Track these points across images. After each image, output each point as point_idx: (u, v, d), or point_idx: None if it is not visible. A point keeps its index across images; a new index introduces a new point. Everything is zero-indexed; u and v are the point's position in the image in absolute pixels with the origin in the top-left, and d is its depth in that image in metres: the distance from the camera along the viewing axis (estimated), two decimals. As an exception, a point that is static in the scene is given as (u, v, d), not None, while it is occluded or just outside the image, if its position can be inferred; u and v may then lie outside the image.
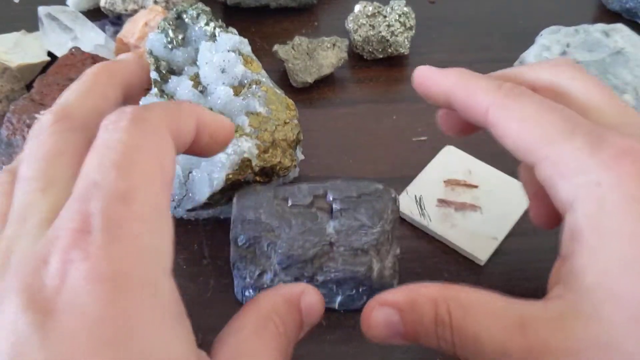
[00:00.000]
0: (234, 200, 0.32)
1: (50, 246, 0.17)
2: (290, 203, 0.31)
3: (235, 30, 0.38)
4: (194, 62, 0.38)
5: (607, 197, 0.21)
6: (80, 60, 0.40)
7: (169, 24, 0.38)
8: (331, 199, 0.31)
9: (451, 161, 0.39)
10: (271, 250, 0.31)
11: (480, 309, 0.22)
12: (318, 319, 0.25)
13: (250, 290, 0.32)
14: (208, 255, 0.36)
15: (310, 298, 0.24)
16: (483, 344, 0.21)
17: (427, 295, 0.23)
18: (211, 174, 0.32)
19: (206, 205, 0.33)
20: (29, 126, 0.36)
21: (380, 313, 0.24)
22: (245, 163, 0.33)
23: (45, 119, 0.22)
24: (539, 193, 0.29)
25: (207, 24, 0.38)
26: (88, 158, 0.19)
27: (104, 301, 0.16)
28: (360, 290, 0.32)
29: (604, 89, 0.26)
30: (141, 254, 0.18)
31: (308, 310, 0.24)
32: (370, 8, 0.46)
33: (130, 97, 0.26)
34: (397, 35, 0.46)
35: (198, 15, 0.38)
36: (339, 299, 0.32)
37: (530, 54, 0.43)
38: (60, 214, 0.18)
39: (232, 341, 0.22)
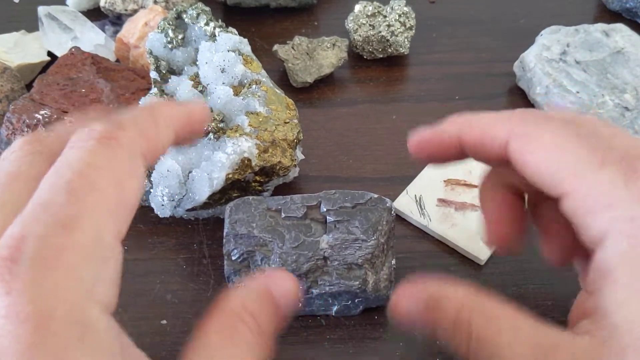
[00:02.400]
0: (226, 214, 0.31)
1: None
2: (283, 215, 0.31)
3: (235, 30, 0.38)
4: (194, 62, 0.38)
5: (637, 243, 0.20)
6: (80, 60, 0.40)
7: (169, 24, 0.38)
8: (325, 210, 0.31)
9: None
10: (265, 264, 0.31)
11: (506, 324, 0.22)
12: (296, 303, 0.23)
13: None
14: (208, 255, 0.36)
15: (282, 284, 0.23)
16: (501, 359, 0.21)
17: (453, 297, 0.23)
18: (211, 174, 0.32)
19: (206, 204, 0.33)
20: (28, 126, 0.36)
21: (407, 303, 0.24)
22: (245, 163, 0.33)
23: (15, 142, 0.21)
24: (554, 228, 0.27)
25: (207, 23, 0.38)
26: (45, 176, 0.18)
27: (22, 345, 0.15)
28: (356, 301, 0.31)
29: (609, 124, 0.25)
30: (72, 289, 0.16)
31: (283, 298, 0.23)
32: (370, 8, 0.46)
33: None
34: (397, 35, 0.46)
35: (198, 15, 0.38)
36: (335, 308, 0.32)
37: (530, 54, 0.43)
38: None
39: (202, 352, 0.20)
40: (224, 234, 0.31)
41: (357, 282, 0.30)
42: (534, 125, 0.23)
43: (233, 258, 0.31)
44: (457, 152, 0.26)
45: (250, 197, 0.32)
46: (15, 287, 0.15)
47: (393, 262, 0.31)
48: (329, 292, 0.30)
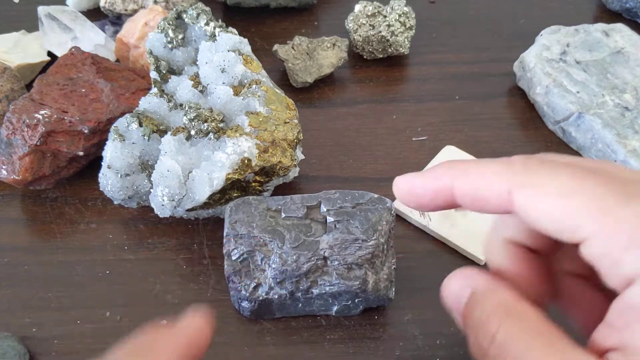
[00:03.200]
0: (226, 214, 0.31)
1: None
2: (283, 215, 0.31)
3: (235, 30, 0.38)
4: (194, 62, 0.38)
5: None
6: (80, 60, 0.40)
7: (169, 24, 0.38)
8: (325, 210, 0.31)
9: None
10: (265, 264, 0.31)
11: (540, 339, 0.21)
12: (207, 344, 0.24)
13: (246, 302, 0.31)
14: (208, 255, 0.36)
15: (191, 332, 0.24)
16: None
17: (498, 297, 0.22)
18: (211, 174, 0.32)
19: (206, 204, 0.33)
20: (28, 126, 0.36)
21: (456, 284, 0.24)
22: (245, 163, 0.33)
23: None
24: (577, 296, 0.26)
25: (207, 23, 0.38)
26: None
27: None
28: (356, 301, 0.31)
29: (609, 161, 0.24)
30: None
31: (195, 344, 0.23)
32: (371, 8, 0.46)
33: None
34: (397, 35, 0.46)
35: (198, 15, 0.38)
36: (335, 308, 0.32)
37: (530, 54, 0.43)
38: None
39: None
40: (224, 234, 0.31)
41: (357, 282, 0.30)
42: (538, 173, 0.21)
43: (233, 258, 0.31)
44: (449, 202, 0.24)
45: (250, 197, 0.32)
46: None
47: (393, 262, 0.31)
48: (329, 292, 0.30)
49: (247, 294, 0.31)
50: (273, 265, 0.30)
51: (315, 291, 0.30)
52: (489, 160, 0.23)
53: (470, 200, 0.23)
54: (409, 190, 0.25)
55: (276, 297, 0.31)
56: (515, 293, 0.22)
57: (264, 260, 0.31)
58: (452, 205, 0.24)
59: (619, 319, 0.21)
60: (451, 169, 0.24)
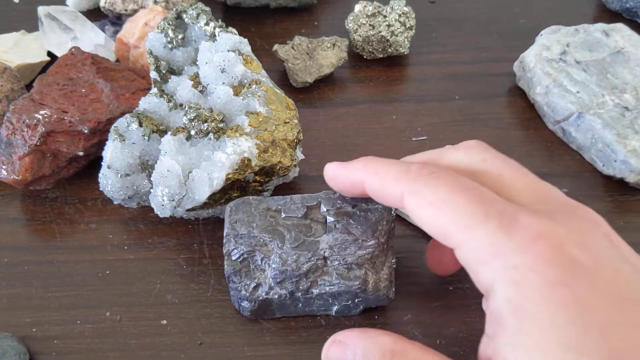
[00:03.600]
0: (226, 214, 0.31)
1: None
2: (283, 215, 0.31)
3: (235, 30, 0.38)
4: (194, 62, 0.38)
5: (525, 281, 0.22)
6: (80, 60, 0.40)
7: (169, 24, 0.38)
8: (325, 210, 0.31)
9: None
10: (265, 264, 0.31)
11: None
12: None
13: (246, 302, 0.31)
14: (208, 255, 0.36)
15: None
16: None
17: (379, 344, 0.26)
18: (211, 174, 0.32)
19: (206, 204, 0.33)
20: (28, 126, 0.36)
21: (337, 351, 0.27)
22: (245, 163, 0.33)
23: None
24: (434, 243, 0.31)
25: (207, 23, 0.38)
26: None
27: None
28: (356, 301, 0.31)
29: (515, 167, 0.27)
30: None
31: None
32: (370, 8, 0.46)
33: None
34: (397, 35, 0.46)
35: (198, 15, 0.38)
36: (335, 308, 0.32)
37: (530, 54, 0.43)
38: None
39: None
40: (224, 233, 0.31)
41: (357, 282, 0.30)
42: (424, 184, 0.25)
43: (233, 258, 0.31)
44: (363, 193, 0.28)
45: (250, 197, 0.32)
46: None
47: (393, 262, 0.31)
48: (329, 292, 0.30)
49: (247, 294, 0.31)
50: (273, 265, 0.30)
51: (315, 291, 0.30)
52: (395, 163, 0.27)
53: (375, 195, 0.27)
54: (333, 177, 0.29)
55: (276, 297, 0.31)
56: (395, 338, 0.26)
57: (264, 260, 0.31)
58: (366, 195, 0.28)
59: (490, 328, 0.23)
60: (365, 167, 0.27)
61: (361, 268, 0.30)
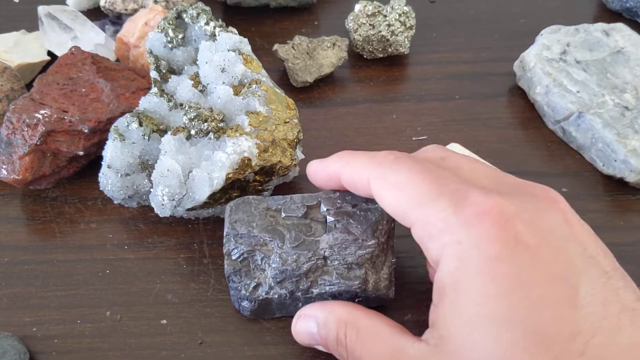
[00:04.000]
0: (226, 213, 0.31)
1: None
2: (283, 215, 0.31)
3: (235, 30, 0.38)
4: (194, 62, 0.38)
5: (467, 256, 0.23)
6: (80, 59, 0.40)
7: (169, 24, 0.38)
8: (325, 210, 0.31)
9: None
10: (265, 263, 0.31)
11: (369, 335, 0.26)
12: None
13: (246, 302, 0.31)
14: (208, 255, 0.36)
15: None
16: None
17: (336, 315, 0.27)
18: (211, 173, 0.32)
19: (206, 204, 0.33)
20: (28, 125, 0.36)
21: (303, 323, 0.29)
22: (245, 162, 0.33)
23: None
24: None
25: (207, 23, 0.38)
26: None
27: None
28: (356, 301, 0.31)
29: (474, 160, 0.28)
30: None
31: None
32: (371, 7, 0.46)
33: None
34: (397, 35, 0.46)
35: (198, 14, 0.38)
36: None
37: (530, 54, 0.43)
38: None
39: None
40: (224, 233, 0.31)
41: (357, 282, 0.30)
42: (387, 167, 0.26)
43: (233, 257, 0.31)
44: (339, 185, 0.30)
45: (251, 197, 0.32)
46: None
47: (393, 261, 0.31)
48: (329, 292, 0.30)
49: (247, 294, 0.31)
50: (273, 265, 0.30)
51: (315, 291, 0.30)
52: (364, 153, 0.28)
53: (349, 185, 0.29)
54: (314, 172, 0.31)
55: (276, 297, 0.31)
56: (350, 307, 0.28)
57: (264, 260, 0.31)
58: (341, 187, 0.30)
59: (435, 298, 0.25)
60: (340, 160, 0.29)
61: (361, 268, 0.30)
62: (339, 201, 0.31)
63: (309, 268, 0.30)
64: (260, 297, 0.31)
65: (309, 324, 0.29)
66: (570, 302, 0.22)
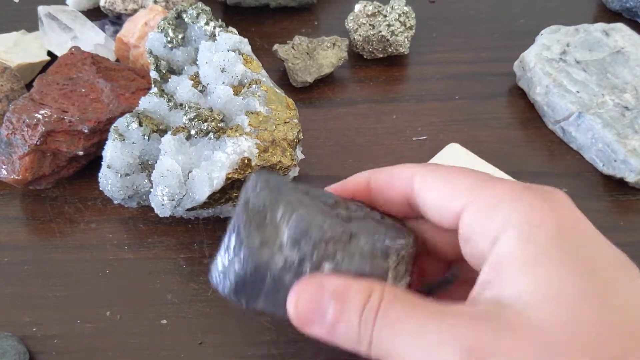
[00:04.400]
0: (253, 175, 0.27)
1: None
2: (310, 195, 0.27)
3: (235, 30, 0.38)
4: (193, 62, 0.38)
5: (531, 235, 0.23)
6: (80, 59, 0.40)
7: (169, 24, 0.38)
8: (354, 208, 0.28)
9: (454, 158, 0.39)
10: (283, 222, 0.25)
11: (406, 300, 0.24)
12: None
13: (237, 266, 0.25)
14: (208, 255, 0.36)
15: None
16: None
17: (363, 283, 0.25)
18: (211, 174, 0.32)
19: (206, 204, 0.33)
20: (28, 125, 0.36)
21: (311, 288, 0.25)
22: (245, 162, 0.33)
23: None
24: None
25: (207, 23, 0.38)
26: None
27: None
28: None
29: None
30: None
31: None
32: (371, 7, 0.46)
33: None
34: (397, 35, 0.46)
35: (198, 14, 0.38)
36: None
37: (530, 54, 0.43)
38: None
39: None
40: (247, 188, 0.27)
41: (379, 271, 0.26)
42: (433, 167, 0.27)
43: (251, 206, 0.26)
44: (366, 197, 0.29)
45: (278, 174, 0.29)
46: None
47: (408, 280, 0.28)
48: (345, 272, 0.26)
49: (248, 252, 0.25)
50: (294, 222, 0.25)
51: (327, 266, 0.25)
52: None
53: (382, 190, 0.28)
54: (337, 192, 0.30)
55: (281, 262, 0.25)
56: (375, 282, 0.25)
57: (284, 217, 0.26)
58: (368, 197, 0.29)
59: (490, 274, 0.24)
60: (367, 172, 0.29)
61: (386, 259, 0.26)
62: (367, 208, 0.29)
63: (333, 237, 0.26)
64: (261, 260, 0.25)
65: (320, 292, 0.24)
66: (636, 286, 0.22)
